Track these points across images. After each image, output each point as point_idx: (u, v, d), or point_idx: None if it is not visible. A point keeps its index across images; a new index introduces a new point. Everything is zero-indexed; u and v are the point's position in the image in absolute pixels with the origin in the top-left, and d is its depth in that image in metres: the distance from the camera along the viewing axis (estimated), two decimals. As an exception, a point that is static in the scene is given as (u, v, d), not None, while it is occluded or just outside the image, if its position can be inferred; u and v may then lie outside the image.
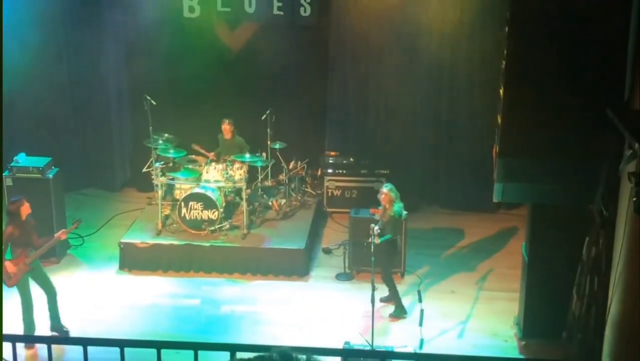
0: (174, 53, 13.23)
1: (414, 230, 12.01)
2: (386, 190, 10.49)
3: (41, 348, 9.37)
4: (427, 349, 9.61)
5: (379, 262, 10.05)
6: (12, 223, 9.59)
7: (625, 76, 7.28)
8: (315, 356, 1.92)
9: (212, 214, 11.81)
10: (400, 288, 11.17)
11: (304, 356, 1.91)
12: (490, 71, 11.98)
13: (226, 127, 12.48)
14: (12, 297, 9.65)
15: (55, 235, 9.86)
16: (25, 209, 9.61)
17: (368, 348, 9.26)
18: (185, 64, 13.21)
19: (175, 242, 11.77)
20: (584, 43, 7.42)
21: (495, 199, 8.60)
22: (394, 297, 10.53)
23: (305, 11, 13.12)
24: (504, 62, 7.89)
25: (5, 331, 6.37)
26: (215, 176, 12.03)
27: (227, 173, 11.98)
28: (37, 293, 9.77)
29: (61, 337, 9.54)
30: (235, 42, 13.35)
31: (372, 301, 9.38)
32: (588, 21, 7.39)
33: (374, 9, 12.91)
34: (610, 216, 7.77)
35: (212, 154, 12.62)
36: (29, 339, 9.20)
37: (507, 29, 7.73)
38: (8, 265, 9.45)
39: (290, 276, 11.49)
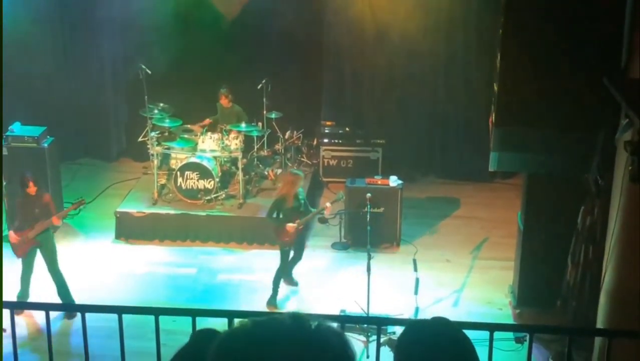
0: (169, 21, 13.13)
1: (409, 199, 12.04)
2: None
3: (31, 316, 9.48)
4: (422, 317, 9.66)
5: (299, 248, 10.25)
6: (19, 193, 9.75)
7: (622, 45, 7.26)
8: (326, 322, 1.94)
9: (208, 184, 11.83)
10: (396, 257, 11.24)
11: (316, 322, 1.92)
12: (487, 40, 11.95)
13: (223, 96, 12.43)
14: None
15: (52, 219, 9.59)
16: (30, 189, 9.51)
17: (364, 316, 9.32)
18: (180, 32, 13.13)
19: (172, 211, 11.79)
20: (581, 12, 7.40)
21: (491, 169, 8.61)
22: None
23: (301, -21, 13.05)
24: (500, 31, 7.87)
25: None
26: (211, 146, 12.02)
27: (223, 143, 11.97)
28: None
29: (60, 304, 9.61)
30: (231, 10, 13.27)
31: (368, 270, 9.42)
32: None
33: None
34: (606, 185, 7.80)
35: (208, 120, 12.58)
36: (28, 306, 9.23)
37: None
38: (11, 235, 9.55)
39: (286, 245, 11.52)
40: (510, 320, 9.70)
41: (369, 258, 9.50)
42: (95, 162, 14.12)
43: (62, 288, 9.74)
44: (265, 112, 12.63)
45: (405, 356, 2.60)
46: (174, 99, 12.67)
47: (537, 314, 9.49)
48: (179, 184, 11.86)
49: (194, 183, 11.84)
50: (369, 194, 10.19)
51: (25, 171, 9.86)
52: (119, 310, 5.46)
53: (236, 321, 3.54)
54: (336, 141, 13.39)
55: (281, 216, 10.05)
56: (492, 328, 5.15)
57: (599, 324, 7.60)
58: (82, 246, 11.61)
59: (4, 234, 9.78)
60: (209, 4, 13.10)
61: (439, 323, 2.73)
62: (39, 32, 13.09)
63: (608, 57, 7.35)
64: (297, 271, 10.60)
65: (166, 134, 12.23)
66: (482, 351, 5.21)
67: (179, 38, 13.11)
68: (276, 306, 10.06)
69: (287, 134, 13.08)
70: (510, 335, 8.67)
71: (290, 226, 9.93)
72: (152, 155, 12.22)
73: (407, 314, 9.67)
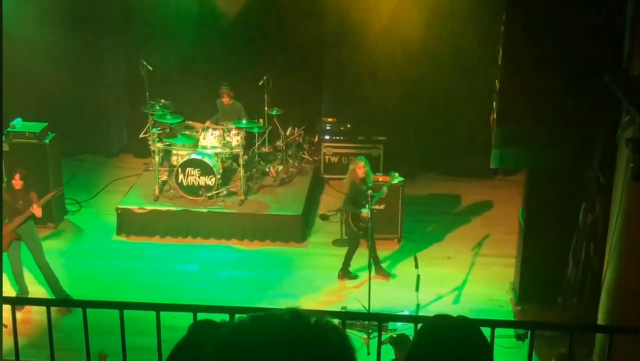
0: (170, 18, 13.14)
1: (410, 196, 12.03)
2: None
3: (31, 312, 9.47)
4: (423, 314, 9.66)
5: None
6: (6, 190, 9.77)
7: (623, 42, 7.26)
8: (325, 318, 1.93)
9: (210, 180, 11.82)
10: (397, 254, 11.24)
11: (314, 318, 1.91)
12: (489, 36, 11.93)
13: (224, 93, 12.42)
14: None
15: (31, 209, 9.59)
16: (15, 182, 9.66)
17: (365, 312, 9.32)
18: (182, 29, 13.12)
19: (173, 208, 11.79)
20: (582, 9, 7.40)
21: (492, 166, 8.62)
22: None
23: (302, -24, 13.03)
24: (503, 28, 7.87)
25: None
26: (213, 142, 12.01)
27: (224, 139, 11.96)
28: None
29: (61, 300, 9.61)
30: (232, 8, 13.26)
31: (369, 267, 9.42)
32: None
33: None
34: (607, 182, 7.81)
35: (208, 122, 12.56)
36: (29, 301, 9.22)
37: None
38: None
39: (287, 242, 11.54)
40: (511, 317, 9.70)
41: (370, 255, 9.49)
42: (96, 158, 14.12)
43: (51, 280, 9.80)
44: (266, 109, 12.61)
45: (422, 354, 2.53)
46: (175, 95, 12.66)
47: (538, 311, 9.49)
48: (180, 180, 11.86)
49: (195, 179, 11.84)
50: (370, 191, 10.18)
51: (23, 169, 9.87)
52: (120, 306, 5.46)
53: (235, 317, 3.54)
54: (337, 137, 13.38)
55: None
56: (493, 324, 5.15)
57: (600, 321, 7.62)
58: (83, 241, 11.62)
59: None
60: (210, 1, 13.09)
61: (463, 325, 2.58)
62: (41, 27, 13.06)
63: (609, 55, 7.35)
64: (300, 270, 10.63)
65: (167, 130, 12.22)
66: (483, 348, 5.20)
67: (180, 34, 13.10)
68: (351, 275, 10.53)
69: (288, 130, 13.07)
70: (511, 332, 8.66)
71: (366, 212, 10.15)
72: (154, 151, 12.20)
73: (408, 311, 9.66)
